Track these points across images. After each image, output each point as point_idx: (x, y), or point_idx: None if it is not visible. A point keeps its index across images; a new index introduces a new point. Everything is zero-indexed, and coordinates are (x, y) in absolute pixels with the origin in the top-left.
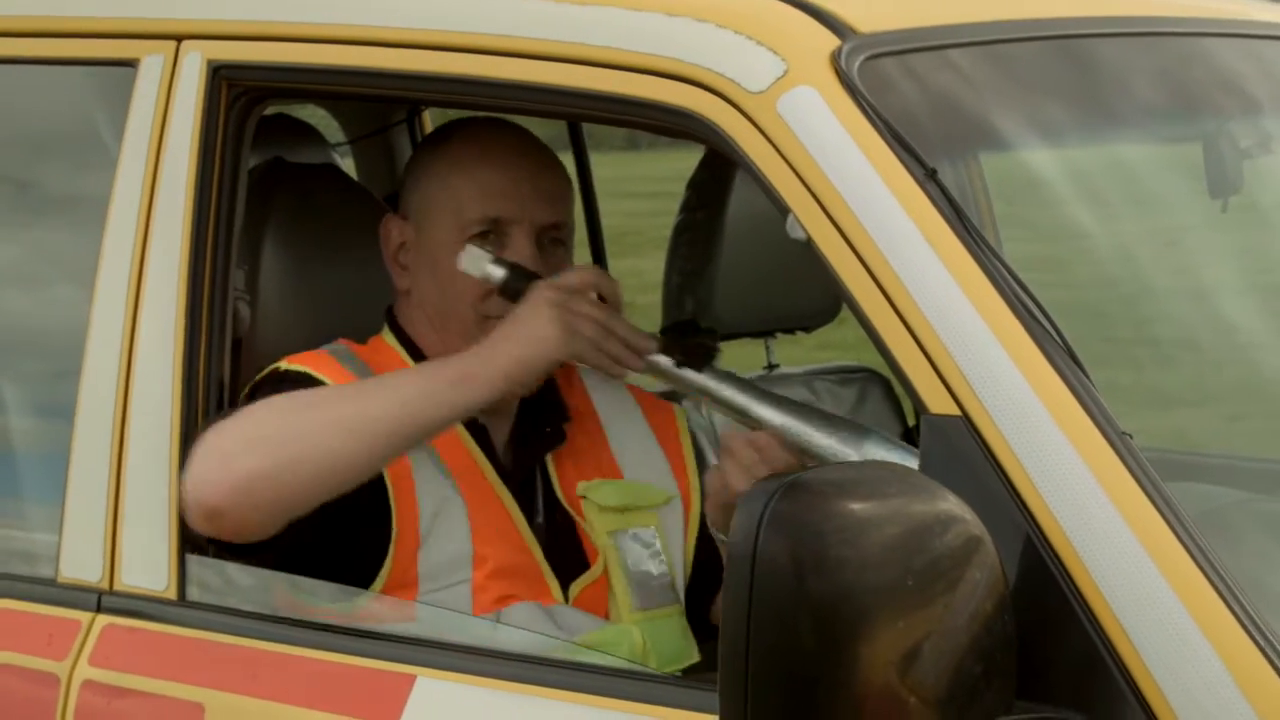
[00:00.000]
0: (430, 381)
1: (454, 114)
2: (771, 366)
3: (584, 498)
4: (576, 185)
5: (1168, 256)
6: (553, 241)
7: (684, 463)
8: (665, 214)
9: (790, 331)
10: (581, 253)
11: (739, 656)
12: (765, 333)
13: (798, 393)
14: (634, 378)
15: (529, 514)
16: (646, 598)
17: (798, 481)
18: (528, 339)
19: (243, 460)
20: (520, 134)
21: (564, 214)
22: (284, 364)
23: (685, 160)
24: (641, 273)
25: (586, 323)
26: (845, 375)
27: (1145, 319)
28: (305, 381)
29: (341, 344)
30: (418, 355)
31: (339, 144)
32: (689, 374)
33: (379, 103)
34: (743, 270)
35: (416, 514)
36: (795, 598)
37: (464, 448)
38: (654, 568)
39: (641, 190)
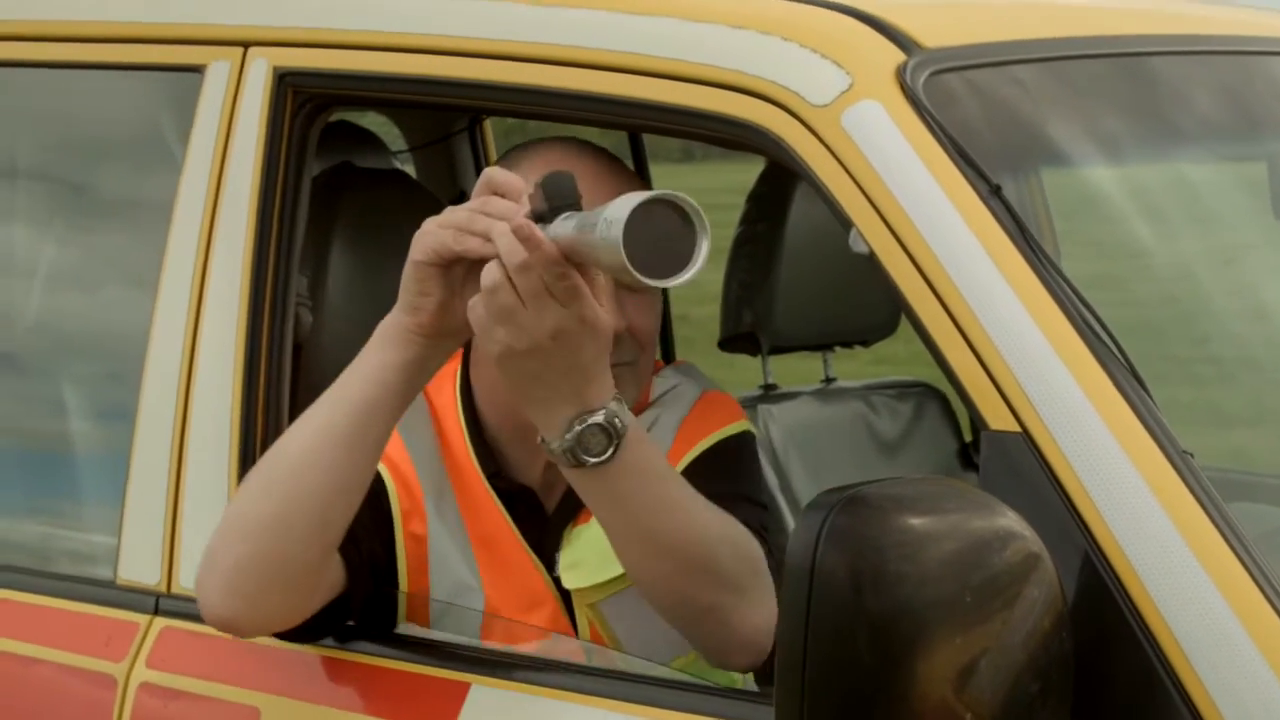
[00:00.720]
0: (362, 362)
1: (512, 123)
2: (829, 380)
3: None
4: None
5: (1228, 274)
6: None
7: None
8: (720, 225)
9: (848, 345)
10: None
11: (795, 670)
12: (823, 346)
13: (854, 407)
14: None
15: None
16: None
17: (857, 496)
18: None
19: (223, 557)
20: (590, 155)
21: None
22: None
23: (740, 172)
24: (697, 284)
25: (434, 221)
26: (902, 390)
27: (1205, 337)
28: None
29: None
30: (469, 399)
31: (400, 151)
32: (545, 229)
33: (442, 111)
34: (802, 284)
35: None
36: (853, 612)
37: (497, 514)
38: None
39: (697, 202)
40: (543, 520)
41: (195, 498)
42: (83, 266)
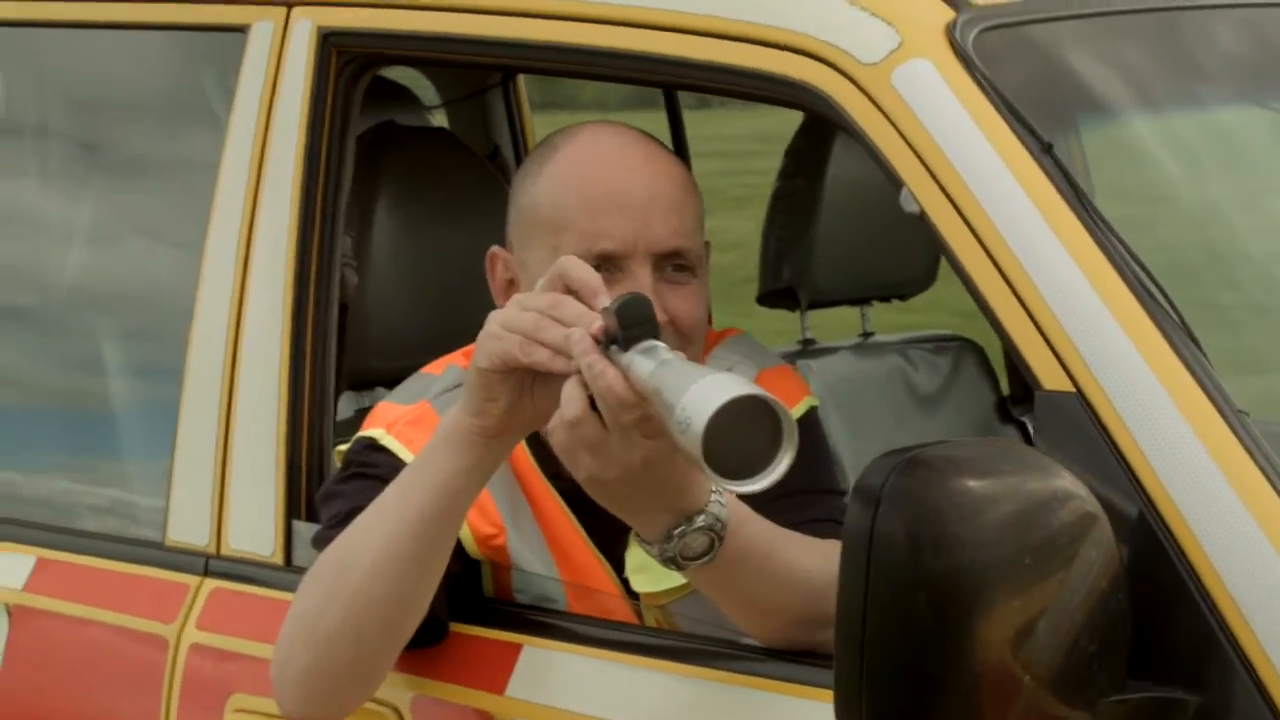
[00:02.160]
0: (426, 466)
1: (545, 81)
2: (867, 334)
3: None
4: (670, 148)
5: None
6: (677, 269)
7: None
8: (737, 173)
9: (886, 299)
10: None
11: (855, 632)
12: (861, 300)
13: (892, 361)
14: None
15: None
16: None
17: (916, 458)
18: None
19: (293, 666)
20: (624, 143)
21: (688, 237)
22: (379, 433)
23: (757, 119)
24: (714, 232)
25: (499, 322)
26: (940, 344)
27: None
28: (390, 462)
29: (453, 369)
30: None
31: (433, 106)
32: (619, 356)
33: (483, 69)
34: (840, 238)
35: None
36: (912, 574)
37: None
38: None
39: (712, 150)
40: (609, 519)
41: (243, 459)
42: (129, 228)
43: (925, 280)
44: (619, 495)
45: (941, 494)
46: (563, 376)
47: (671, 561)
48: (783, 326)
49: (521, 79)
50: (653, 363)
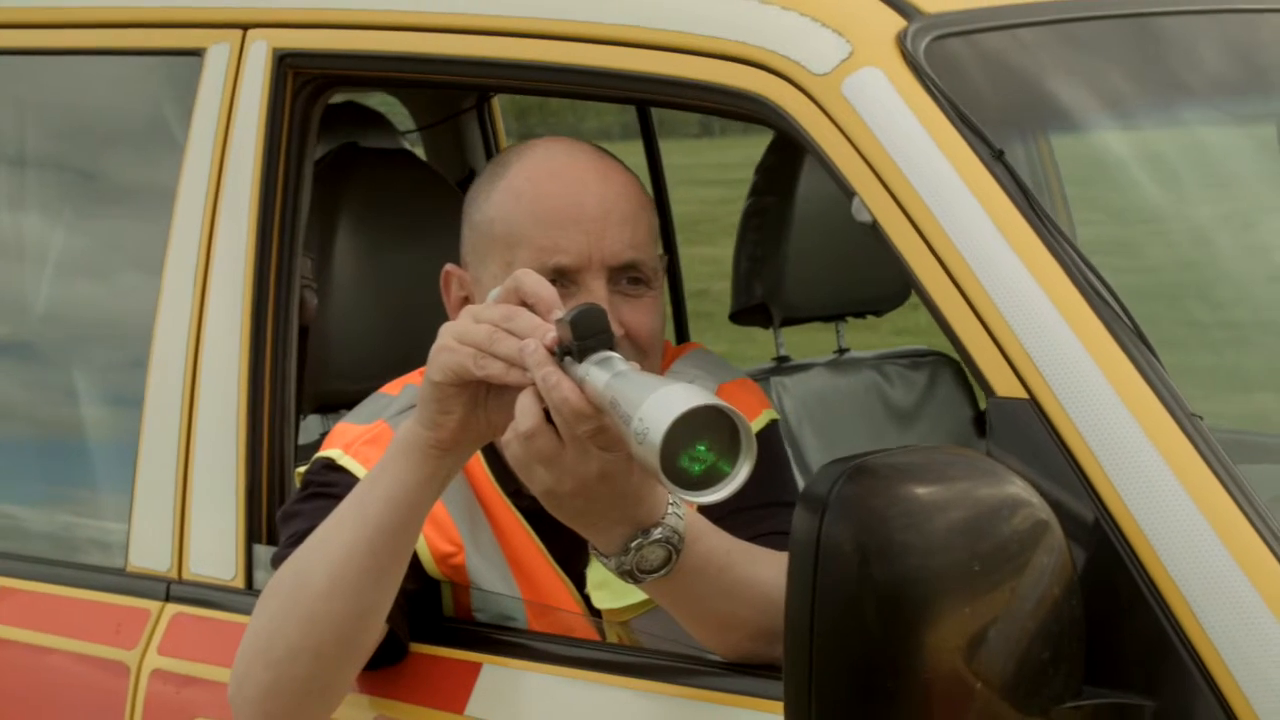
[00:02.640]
0: (381, 479)
1: (524, 102)
2: (841, 351)
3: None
4: (646, 173)
5: (1245, 238)
6: (632, 282)
7: None
8: (739, 201)
9: (860, 315)
10: None
11: (803, 642)
12: (835, 317)
13: (867, 377)
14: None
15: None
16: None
17: (862, 466)
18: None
19: (250, 685)
20: (577, 157)
21: (642, 250)
22: (336, 454)
23: (759, 147)
24: (717, 260)
25: (452, 334)
26: (916, 359)
27: (1223, 302)
28: (348, 482)
29: (410, 389)
30: None
31: (408, 131)
32: (574, 367)
33: (443, 89)
34: (812, 255)
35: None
36: (860, 583)
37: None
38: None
39: (715, 177)
40: (569, 535)
41: (203, 485)
42: (87, 253)
43: (899, 296)
44: (575, 508)
45: (887, 501)
46: (517, 389)
47: (629, 575)
48: (790, 349)
49: (497, 103)
50: (608, 374)
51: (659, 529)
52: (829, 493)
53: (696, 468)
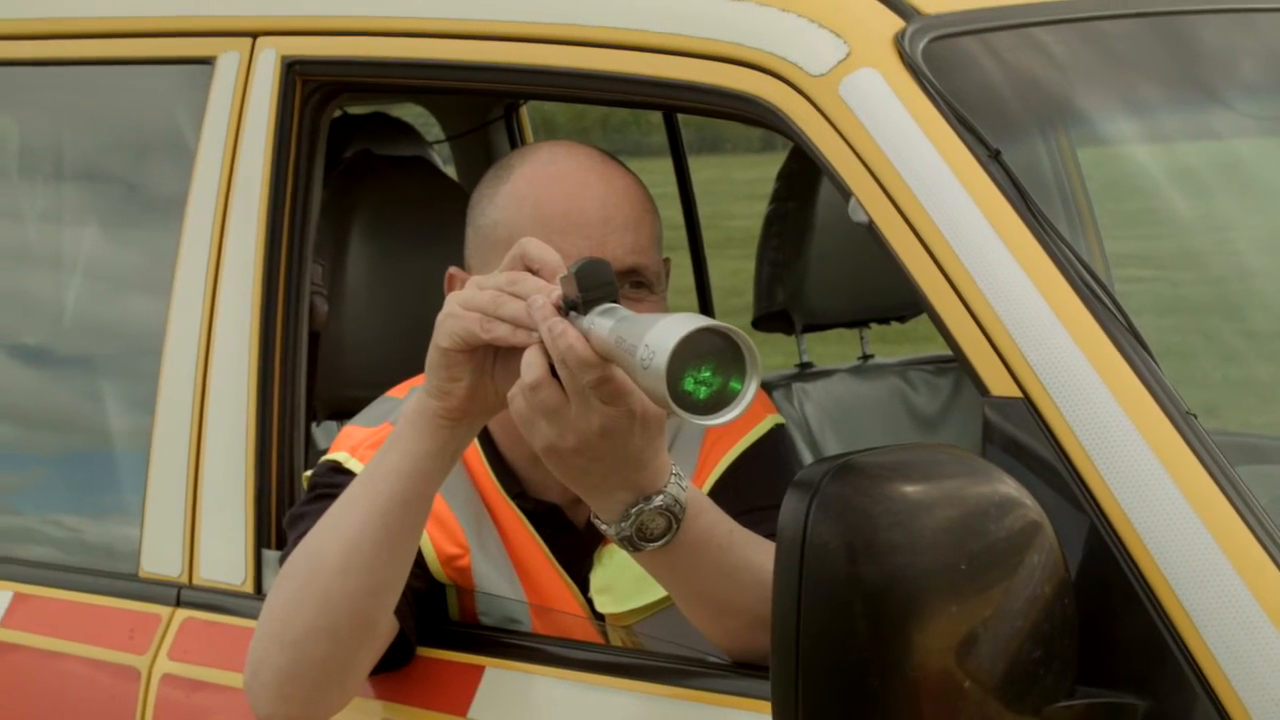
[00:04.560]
0: (391, 452)
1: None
2: (866, 357)
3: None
4: (675, 185)
5: (1254, 234)
6: (635, 285)
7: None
8: None
9: (884, 322)
10: (681, 256)
11: (790, 641)
12: (859, 323)
13: (891, 383)
14: None
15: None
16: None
17: (849, 464)
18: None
19: (266, 667)
20: (580, 160)
21: (645, 254)
22: (342, 456)
23: None
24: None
25: (458, 301)
26: (940, 365)
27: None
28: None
29: (416, 392)
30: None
31: (436, 141)
32: (579, 320)
33: (447, 94)
34: (834, 260)
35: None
36: (846, 583)
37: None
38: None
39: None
40: (574, 537)
41: (213, 490)
42: (98, 259)
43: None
44: (577, 468)
45: (873, 499)
46: (523, 353)
47: (628, 542)
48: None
49: (524, 112)
50: (612, 320)
51: (660, 496)
52: (815, 490)
53: (703, 391)
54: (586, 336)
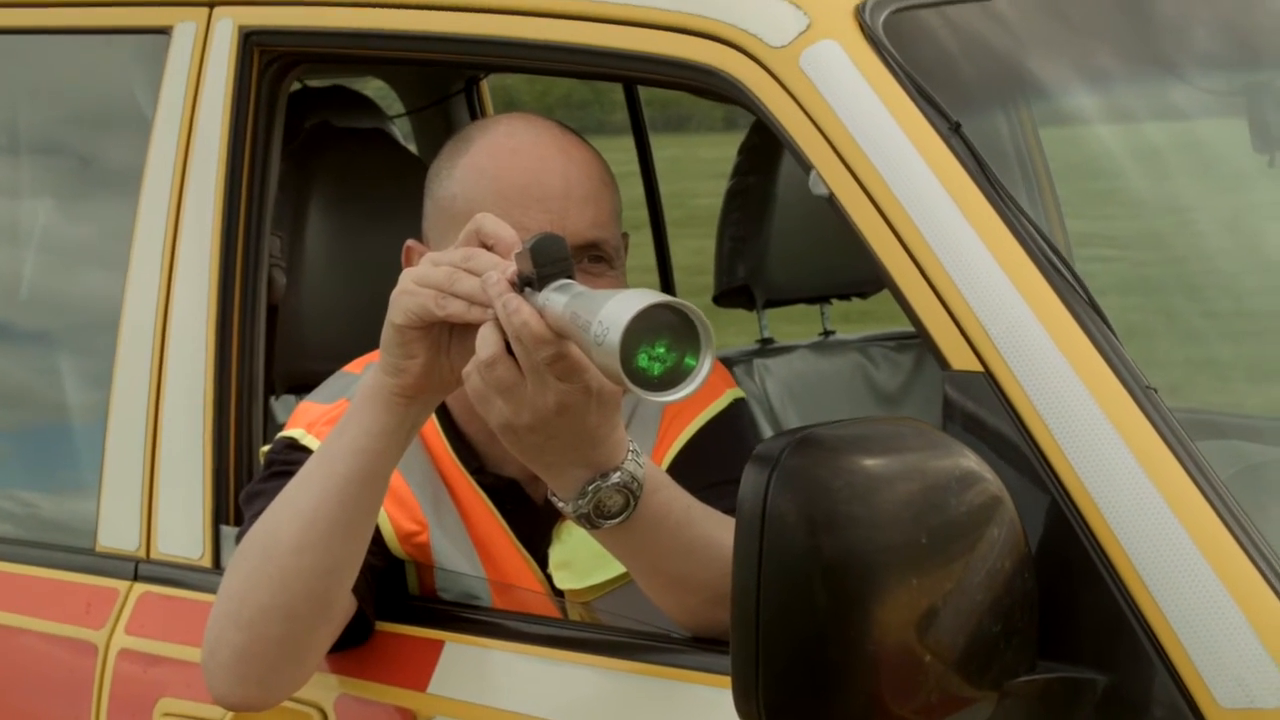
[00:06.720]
0: (347, 430)
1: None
2: (827, 333)
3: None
4: (636, 163)
5: (1217, 211)
6: (594, 260)
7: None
8: None
9: (845, 297)
10: (643, 235)
11: (750, 615)
12: (820, 298)
13: (852, 359)
14: None
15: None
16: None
17: (809, 437)
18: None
19: (223, 647)
20: (540, 134)
21: (604, 229)
22: (298, 433)
23: None
24: None
25: (413, 278)
26: (901, 341)
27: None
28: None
29: (372, 368)
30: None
31: (396, 115)
32: (534, 296)
33: (402, 65)
34: (795, 236)
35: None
36: (806, 556)
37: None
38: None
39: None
40: (533, 513)
41: (170, 464)
42: (53, 232)
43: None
44: (532, 444)
45: (833, 473)
46: (478, 329)
47: (586, 519)
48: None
49: (485, 86)
50: (567, 296)
51: (617, 474)
52: (775, 463)
53: (657, 367)
54: (541, 313)
